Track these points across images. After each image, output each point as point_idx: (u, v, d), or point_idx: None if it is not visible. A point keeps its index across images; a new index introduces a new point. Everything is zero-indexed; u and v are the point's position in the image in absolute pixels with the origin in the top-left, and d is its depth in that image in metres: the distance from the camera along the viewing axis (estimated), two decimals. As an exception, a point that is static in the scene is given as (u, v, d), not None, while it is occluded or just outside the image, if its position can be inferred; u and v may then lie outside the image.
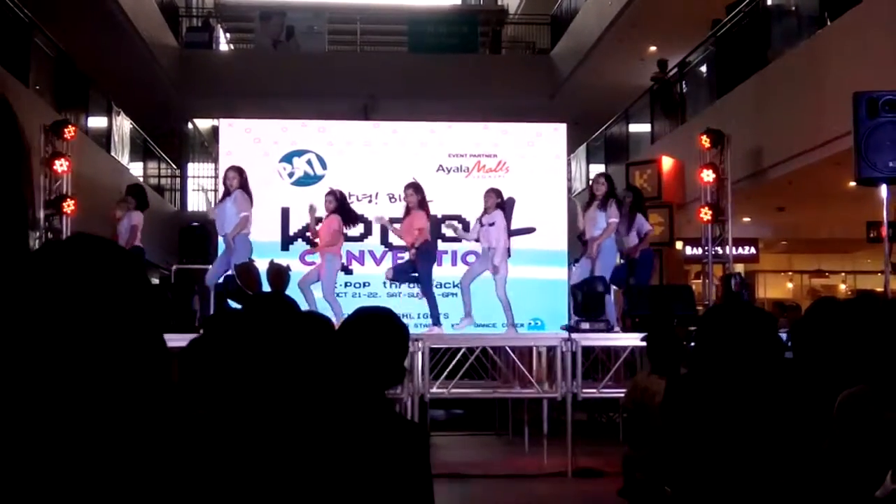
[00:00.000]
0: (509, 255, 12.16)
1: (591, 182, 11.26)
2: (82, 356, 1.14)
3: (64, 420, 1.12)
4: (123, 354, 1.18)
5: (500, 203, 11.17)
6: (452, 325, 11.54)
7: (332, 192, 11.12)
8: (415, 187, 10.96)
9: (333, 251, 10.92)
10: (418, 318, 11.27)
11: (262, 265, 10.99)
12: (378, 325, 2.69)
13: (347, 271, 12.56)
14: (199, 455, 1.25)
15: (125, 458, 1.14)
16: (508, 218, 12.74)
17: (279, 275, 9.74)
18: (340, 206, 11.04)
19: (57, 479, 1.11)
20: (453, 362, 9.98)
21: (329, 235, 10.90)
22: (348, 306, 9.72)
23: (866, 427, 2.69)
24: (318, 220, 10.99)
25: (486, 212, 10.96)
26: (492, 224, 10.86)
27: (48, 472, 1.11)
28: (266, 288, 9.48)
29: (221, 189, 11.54)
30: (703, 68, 15.49)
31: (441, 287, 11.87)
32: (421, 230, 10.73)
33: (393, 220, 12.03)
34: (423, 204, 10.87)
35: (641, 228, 11.24)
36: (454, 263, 12.42)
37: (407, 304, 11.58)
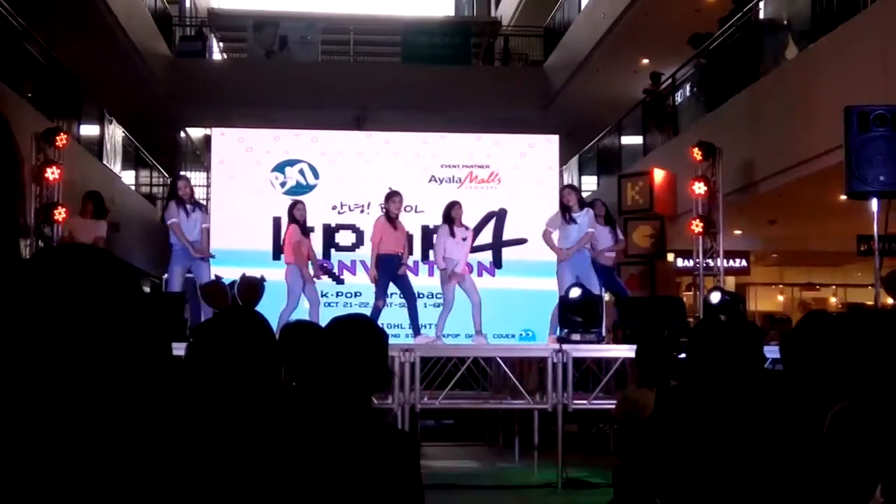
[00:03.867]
0: (500, 267, 12.26)
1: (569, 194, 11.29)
2: (76, 365, 1.14)
3: (61, 428, 1.12)
4: (118, 363, 1.17)
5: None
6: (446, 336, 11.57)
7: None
8: (401, 196, 10.91)
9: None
10: (409, 328, 11.27)
11: (252, 274, 10.98)
12: (354, 330, 2.70)
13: (339, 281, 12.55)
14: (193, 463, 1.25)
15: (121, 465, 1.14)
16: (500, 229, 12.77)
17: (251, 288, 9.68)
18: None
19: (56, 488, 1.11)
20: (444, 372, 9.98)
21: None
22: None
23: (857, 442, 2.69)
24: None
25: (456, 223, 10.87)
26: (465, 239, 10.82)
27: (46, 480, 1.10)
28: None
29: (212, 198, 11.55)
30: (696, 81, 15.54)
31: (433, 297, 11.87)
32: (410, 239, 10.79)
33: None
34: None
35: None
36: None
37: (398, 314, 11.57)
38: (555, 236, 10.84)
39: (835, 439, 2.76)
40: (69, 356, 1.14)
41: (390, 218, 10.70)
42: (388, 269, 10.62)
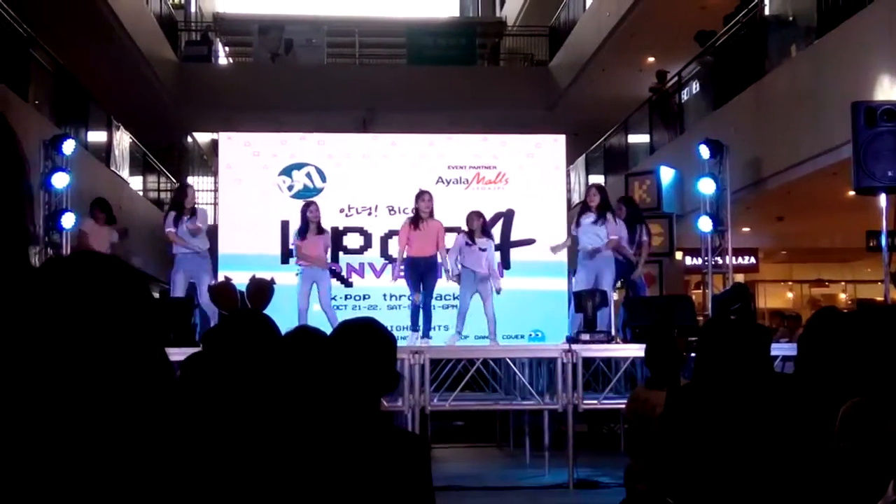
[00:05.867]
0: (508, 268, 12.26)
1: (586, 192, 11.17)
2: (87, 371, 1.14)
3: (69, 433, 1.12)
4: (128, 369, 1.18)
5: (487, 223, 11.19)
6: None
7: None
8: (429, 195, 10.93)
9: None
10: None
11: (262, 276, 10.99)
12: (361, 334, 2.70)
13: (347, 284, 12.55)
14: (201, 469, 1.25)
15: (128, 472, 1.14)
16: (508, 229, 12.76)
17: (260, 291, 9.67)
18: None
19: (61, 495, 1.11)
20: (454, 374, 9.97)
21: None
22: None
23: (868, 438, 2.68)
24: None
25: (475, 234, 10.85)
26: (483, 250, 10.82)
27: (51, 487, 1.10)
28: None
29: (220, 202, 11.59)
30: (702, 79, 15.52)
31: (441, 299, 11.88)
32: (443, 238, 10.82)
33: (393, 233, 12.03)
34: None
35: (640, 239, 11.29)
36: (453, 275, 12.44)
37: (407, 316, 11.57)
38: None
39: (846, 436, 2.75)
40: (81, 361, 1.14)
41: (414, 219, 10.71)
42: (413, 273, 10.70)
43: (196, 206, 10.99)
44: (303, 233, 10.89)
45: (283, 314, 9.54)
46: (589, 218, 10.66)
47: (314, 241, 10.83)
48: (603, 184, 19.38)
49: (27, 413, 1.11)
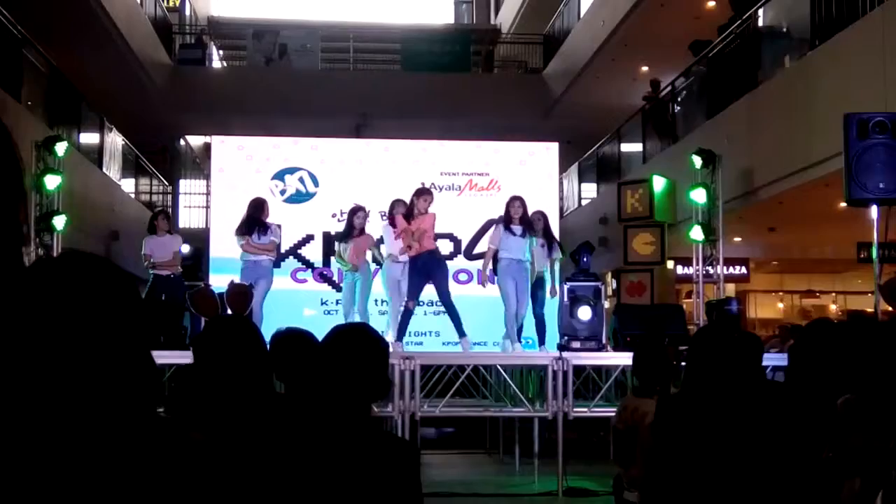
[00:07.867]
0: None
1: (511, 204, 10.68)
2: (75, 372, 1.14)
3: (55, 435, 1.12)
4: (115, 370, 1.17)
5: None
6: (443, 343, 11.58)
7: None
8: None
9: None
10: (414, 335, 11.26)
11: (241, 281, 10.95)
12: (354, 339, 2.69)
13: (338, 288, 12.52)
14: (190, 475, 1.25)
15: (115, 475, 1.13)
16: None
17: (240, 296, 9.66)
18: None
19: (45, 492, 1.10)
20: (444, 380, 9.96)
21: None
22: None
23: (862, 436, 2.69)
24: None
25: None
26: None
27: (39, 492, 1.10)
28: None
29: (213, 206, 11.58)
30: (695, 88, 15.56)
31: (433, 305, 11.86)
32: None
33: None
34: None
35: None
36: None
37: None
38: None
39: (841, 430, 2.75)
40: (70, 361, 1.14)
41: (407, 215, 10.50)
42: (419, 272, 10.35)
43: (268, 221, 10.89)
44: (346, 237, 10.89)
45: (273, 317, 9.56)
46: (516, 231, 10.33)
47: (356, 243, 10.87)
48: (597, 192, 19.50)
49: (11, 410, 1.11)
